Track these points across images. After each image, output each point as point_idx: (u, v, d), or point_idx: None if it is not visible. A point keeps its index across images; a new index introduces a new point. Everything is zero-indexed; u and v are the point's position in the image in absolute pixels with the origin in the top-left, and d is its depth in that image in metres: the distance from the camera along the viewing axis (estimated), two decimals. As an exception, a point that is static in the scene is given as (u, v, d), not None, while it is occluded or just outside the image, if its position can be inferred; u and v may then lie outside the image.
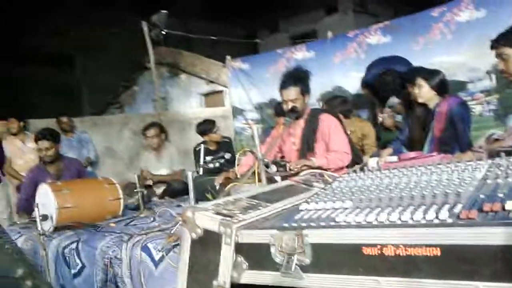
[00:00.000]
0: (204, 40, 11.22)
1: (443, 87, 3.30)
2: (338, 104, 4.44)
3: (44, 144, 3.94)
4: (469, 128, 3.30)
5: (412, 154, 2.87)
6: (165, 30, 8.58)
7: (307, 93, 3.28)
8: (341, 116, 3.97)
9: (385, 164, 2.27)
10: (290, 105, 3.22)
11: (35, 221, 2.82)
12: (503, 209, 0.85)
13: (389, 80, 4.16)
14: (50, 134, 4.01)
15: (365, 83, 4.90)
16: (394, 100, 4.74)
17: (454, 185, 1.09)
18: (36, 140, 4.01)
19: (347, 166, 3.13)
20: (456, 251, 0.79)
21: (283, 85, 3.26)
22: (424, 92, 3.26)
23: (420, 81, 3.26)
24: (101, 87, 14.33)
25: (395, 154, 3.22)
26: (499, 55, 2.51)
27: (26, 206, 3.88)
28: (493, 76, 4.43)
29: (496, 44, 2.52)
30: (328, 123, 3.21)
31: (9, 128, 5.75)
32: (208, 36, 10.73)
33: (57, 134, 4.15)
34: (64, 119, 6.17)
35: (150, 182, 4.80)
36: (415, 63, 4.66)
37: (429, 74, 3.30)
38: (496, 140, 2.39)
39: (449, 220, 0.86)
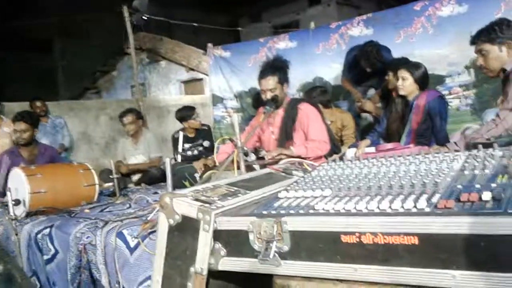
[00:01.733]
0: (186, 27, 11.04)
1: (425, 81, 3.34)
2: (318, 94, 4.45)
3: (21, 126, 3.88)
4: (446, 122, 3.35)
5: (390, 145, 2.91)
6: (146, 16, 8.42)
7: (285, 83, 3.28)
8: (320, 106, 3.99)
9: (364, 154, 2.28)
10: (268, 94, 3.21)
11: (7, 205, 2.75)
12: (480, 199, 0.86)
13: (371, 49, 4.17)
14: (29, 117, 3.96)
15: (345, 67, 4.91)
16: (372, 91, 4.78)
17: (432, 175, 1.10)
18: (13, 121, 3.96)
19: (325, 156, 3.14)
20: (434, 240, 0.80)
21: (262, 75, 3.26)
22: (407, 85, 3.28)
23: (405, 73, 3.28)
24: (79, 72, 14.03)
25: (373, 145, 3.26)
26: (478, 51, 2.55)
27: None
28: (472, 71, 4.50)
29: (476, 40, 2.55)
30: (306, 112, 3.22)
31: None
32: (190, 23, 10.59)
33: (36, 119, 4.10)
34: (38, 103, 6.02)
35: (124, 171, 4.73)
36: (396, 55, 4.70)
37: (413, 66, 3.32)
38: (475, 138, 2.43)
39: (427, 209, 0.87)
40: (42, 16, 13.81)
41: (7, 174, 3.84)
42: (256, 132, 3.37)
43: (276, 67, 3.26)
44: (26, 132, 3.91)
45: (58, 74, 16.85)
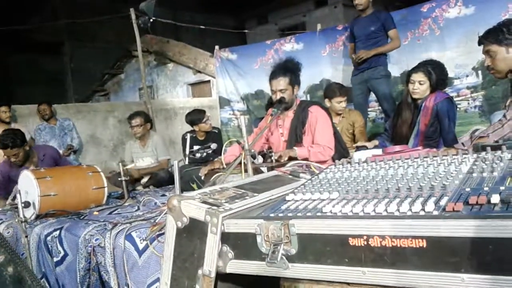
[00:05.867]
0: (192, 29, 11.12)
1: (441, 82, 3.32)
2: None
3: (11, 152, 3.73)
4: (454, 124, 3.33)
5: (397, 147, 2.89)
6: (153, 18, 8.47)
7: (296, 84, 3.27)
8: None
9: (372, 157, 2.28)
10: (278, 95, 3.21)
11: (17, 208, 2.77)
12: (489, 202, 0.85)
13: None
14: (12, 140, 3.71)
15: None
16: None
17: (440, 177, 1.09)
18: (1, 148, 3.74)
19: (333, 158, 3.12)
20: (442, 243, 0.80)
21: (273, 75, 3.26)
22: (424, 89, 3.26)
23: (422, 77, 3.25)
24: (87, 74, 14.15)
25: (380, 148, 3.24)
26: (486, 52, 2.53)
27: None
28: (480, 73, 4.48)
29: (484, 40, 2.53)
30: (316, 115, 3.20)
31: (1, 117, 5.65)
32: (197, 25, 10.63)
33: (20, 136, 3.82)
34: (43, 106, 6.08)
35: (136, 176, 4.75)
36: (403, 58, 4.68)
37: (431, 69, 3.28)
38: (481, 137, 2.42)
39: (435, 212, 0.87)
40: (52, 19, 13.95)
41: (6, 184, 3.84)
42: (263, 134, 3.37)
43: (288, 69, 3.26)
44: (18, 155, 3.77)
45: (67, 77, 16.98)
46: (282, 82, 3.20)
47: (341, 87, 4.35)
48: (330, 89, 4.40)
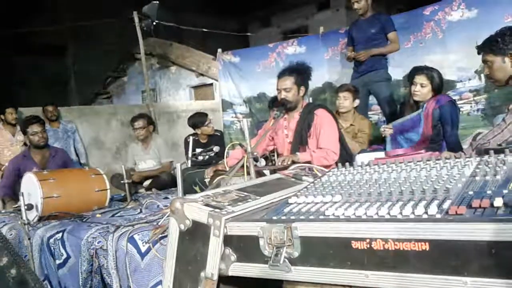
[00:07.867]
0: (195, 32, 11.14)
1: (441, 88, 3.34)
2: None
3: (38, 127, 3.98)
4: (457, 127, 3.33)
5: (400, 151, 2.89)
6: (156, 21, 8.50)
7: (302, 85, 3.27)
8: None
9: (374, 160, 2.27)
10: (283, 94, 3.22)
11: (19, 210, 2.78)
12: (492, 205, 0.85)
13: None
14: (39, 118, 4.12)
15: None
16: None
17: (443, 181, 1.09)
18: (28, 125, 3.99)
19: (337, 164, 3.10)
20: (445, 246, 0.80)
21: (279, 75, 3.31)
22: (425, 91, 3.28)
23: (424, 80, 3.27)
24: (90, 77, 14.17)
25: (382, 151, 3.24)
26: (484, 61, 2.54)
27: (5, 193, 3.85)
28: (482, 76, 4.47)
29: (481, 50, 2.54)
30: (321, 119, 3.19)
31: (7, 119, 5.67)
32: (199, 28, 10.66)
33: (43, 121, 4.20)
34: (50, 107, 6.10)
35: (137, 179, 4.76)
36: (406, 61, 4.68)
37: (433, 73, 3.30)
38: (482, 145, 2.42)
39: (438, 216, 0.87)
40: (55, 21, 13.98)
41: (15, 178, 3.88)
42: (266, 137, 3.36)
43: (295, 69, 3.29)
44: (44, 132, 4.03)
45: (70, 80, 17.02)
46: (287, 82, 3.22)
47: (352, 86, 4.29)
48: (342, 84, 4.39)
